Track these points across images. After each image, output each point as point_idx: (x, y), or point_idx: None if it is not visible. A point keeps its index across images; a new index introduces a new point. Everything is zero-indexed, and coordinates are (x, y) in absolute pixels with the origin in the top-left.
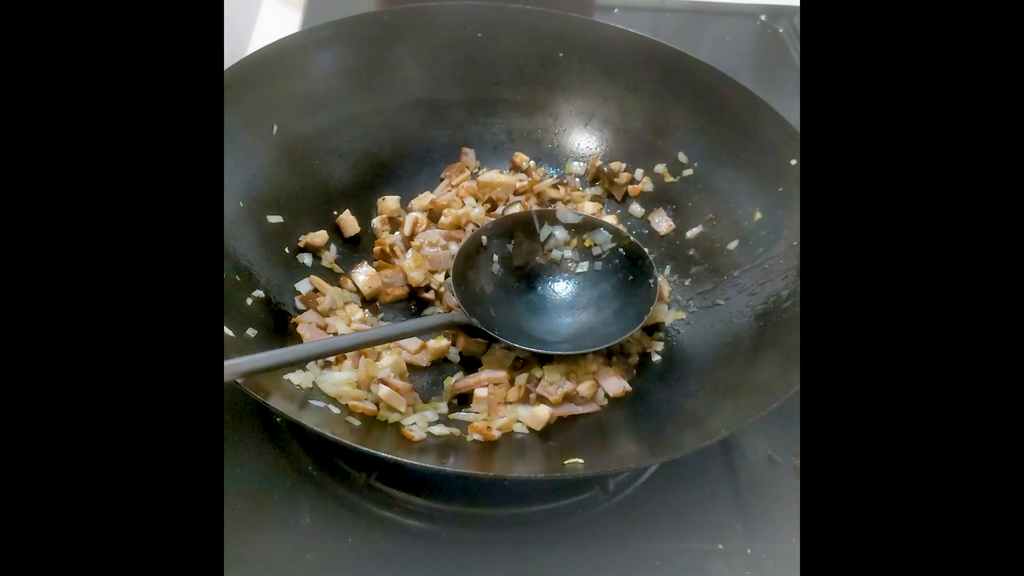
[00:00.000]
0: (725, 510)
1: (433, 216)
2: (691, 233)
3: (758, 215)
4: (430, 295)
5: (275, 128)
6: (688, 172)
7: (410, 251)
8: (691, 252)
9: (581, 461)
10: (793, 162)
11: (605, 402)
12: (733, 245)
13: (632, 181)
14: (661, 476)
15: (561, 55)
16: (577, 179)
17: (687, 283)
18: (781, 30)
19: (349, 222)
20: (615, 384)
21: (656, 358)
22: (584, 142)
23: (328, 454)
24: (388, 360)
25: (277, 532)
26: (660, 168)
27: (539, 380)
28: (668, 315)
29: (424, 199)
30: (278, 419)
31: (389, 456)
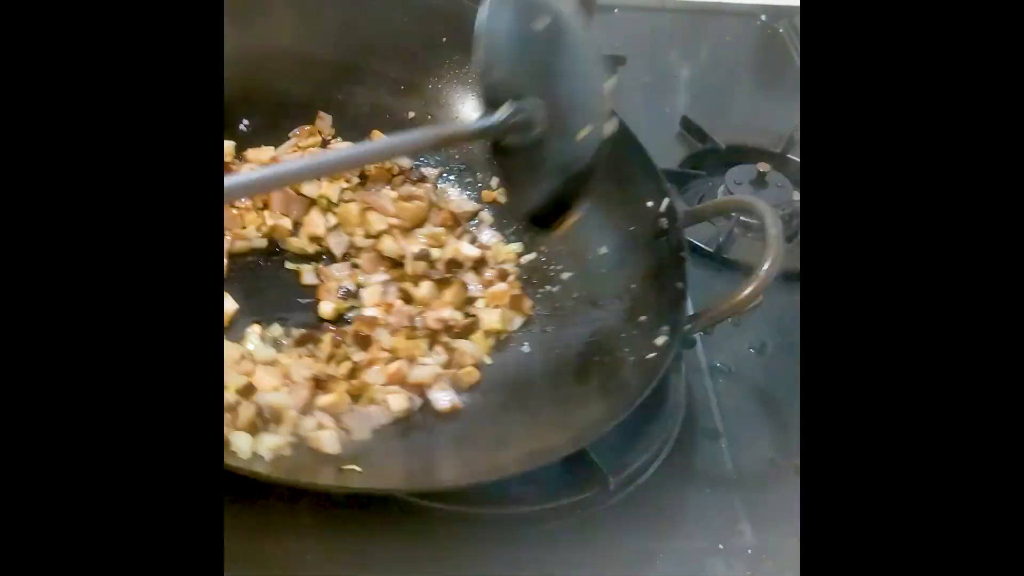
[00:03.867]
0: (725, 510)
1: None
2: (525, 259)
3: (603, 250)
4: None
5: None
6: None
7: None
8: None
9: (358, 468)
10: (650, 204)
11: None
12: (567, 276)
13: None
14: (661, 476)
15: (444, 40)
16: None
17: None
18: (781, 30)
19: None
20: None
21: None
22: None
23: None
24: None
25: (277, 532)
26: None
27: None
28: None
29: (263, 153)
30: None
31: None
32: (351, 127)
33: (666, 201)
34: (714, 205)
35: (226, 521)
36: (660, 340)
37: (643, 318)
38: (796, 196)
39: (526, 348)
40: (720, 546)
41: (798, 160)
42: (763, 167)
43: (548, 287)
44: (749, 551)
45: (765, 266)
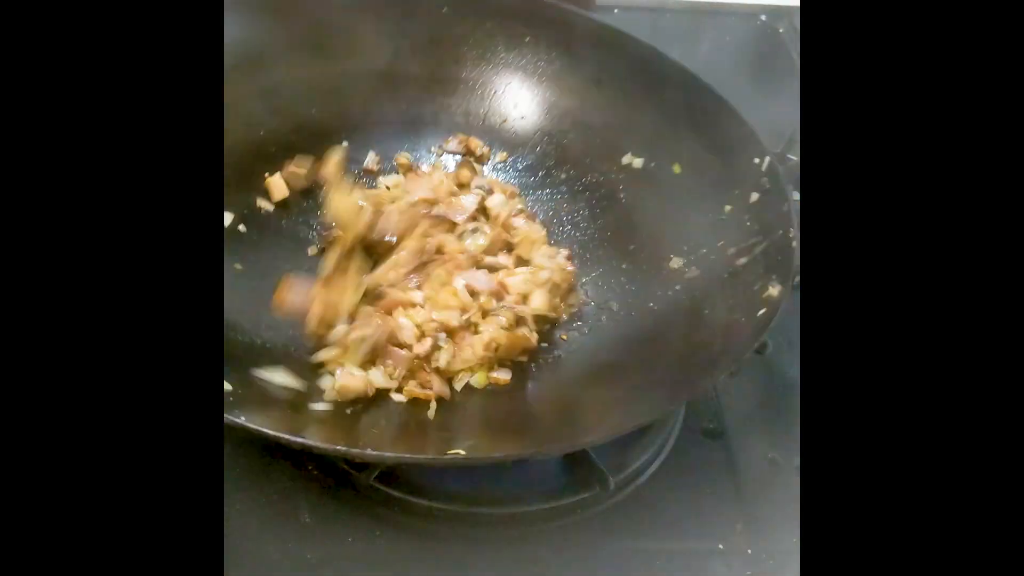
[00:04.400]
0: (725, 510)
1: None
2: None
3: (706, 216)
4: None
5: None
6: (639, 166)
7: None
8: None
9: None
10: (756, 160)
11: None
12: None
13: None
14: (661, 476)
15: (528, 39)
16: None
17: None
18: (781, 30)
19: (278, 186)
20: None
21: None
22: (542, 131)
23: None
24: None
25: (277, 532)
26: (623, 160)
27: None
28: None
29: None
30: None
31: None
32: (447, 135)
33: (767, 159)
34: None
35: (226, 521)
36: (774, 291)
37: (756, 282)
38: (796, 196)
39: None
40: (720, 546)
41: (798, 160)
42: None
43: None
44: (749, 551)
45: None
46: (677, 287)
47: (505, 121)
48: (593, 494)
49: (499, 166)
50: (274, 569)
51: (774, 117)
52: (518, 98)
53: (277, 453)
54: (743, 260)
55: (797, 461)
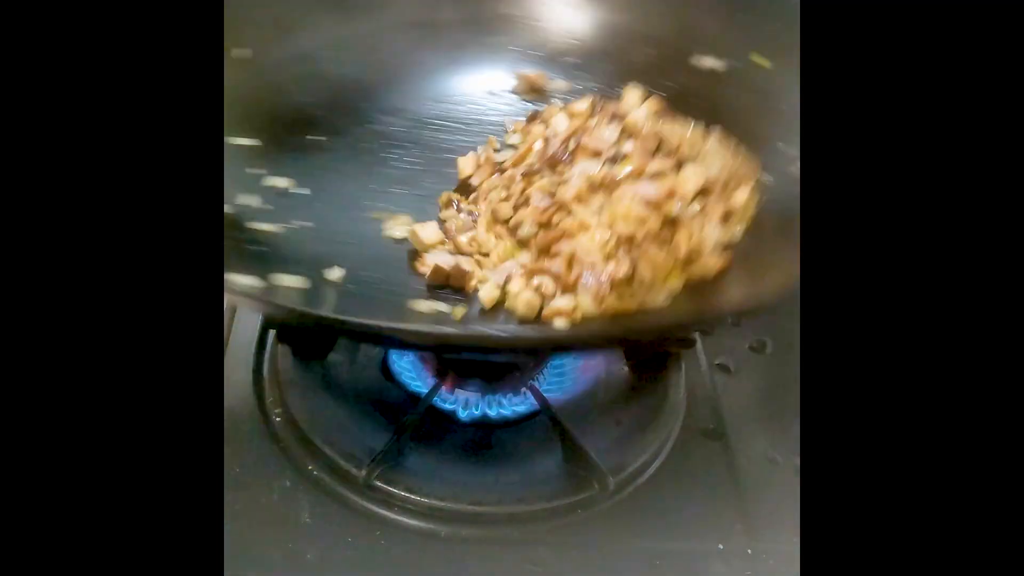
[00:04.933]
0: (725, 510)
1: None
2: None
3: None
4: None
5: (251, 52)
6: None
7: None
8: None
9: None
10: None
11: None
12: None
13: None
14: (661, 476)
15: None
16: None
17: None
18: None
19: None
20: None
21: None
22: (603, 51)
23: (327, 452)
24: None
25: (277, 532)
26: (703, 63)
27: None
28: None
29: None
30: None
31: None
32: (502, 79)
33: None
34: None
35: (226, 520)
36: None
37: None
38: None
39: None
40: (720, 546)
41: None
42: None
43: None
44: (749, 551)
45: None
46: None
47: (560, 49)
48: (593, 494)
49: (565, 96)
50: (274, 569)
51: None
52: (570, 22)
53: (277, 452)
54: None
55: (797, 461)
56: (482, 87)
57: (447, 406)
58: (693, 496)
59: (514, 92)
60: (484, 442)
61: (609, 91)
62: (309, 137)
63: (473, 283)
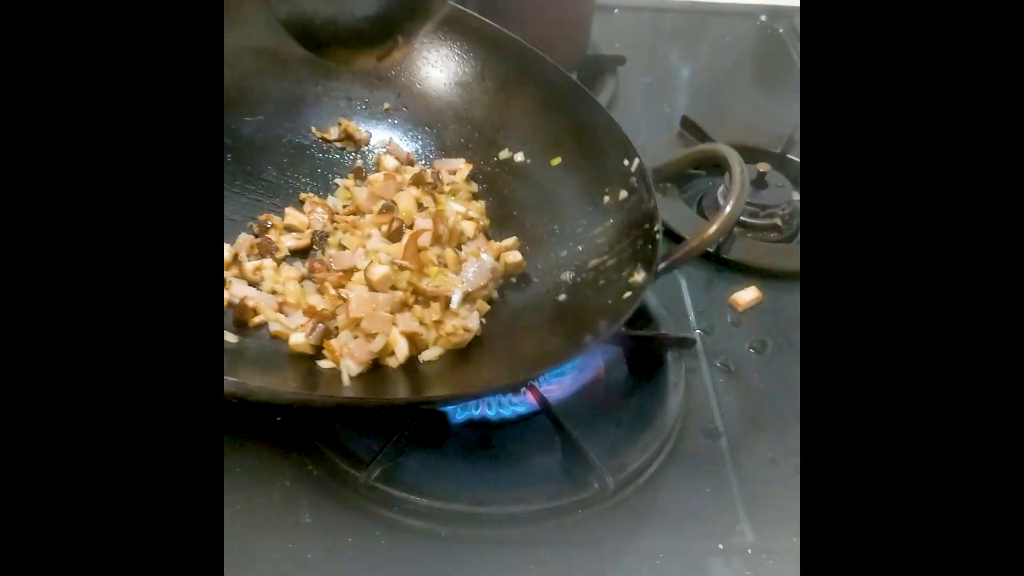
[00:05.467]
0: (725, 510)
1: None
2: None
3: (575, 213)
4: None
5: None
6: (520, 162)
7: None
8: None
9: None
10: (625, 162)
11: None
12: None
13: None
14: (661, 476)
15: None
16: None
17: None
18: (781, 30)
19: None
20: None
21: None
22: (424, 123)
23: (327, 451)
24: None
25: (277, 532)
26: (502, 155)
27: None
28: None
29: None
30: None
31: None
32: (327, 120)
33: (636, 161)
34: (680, 158)
35: (226, 520)
36: (638, 277)
37: (624, 269)
38: (796, 196)
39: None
40: (720, 546)
41: (798, 160)
42: (763, 167)
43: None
44: (749, 551)
45: (729, 206)
46: (557, 279)
47: (388, 108)
48: (593, 494)
49: (380, 150)
50: (274, 569)
51: (774, 117)
52: (403, 87)
53: (277, 452)
54: (611, 258)
55: (797, 461)
56: (306, 125)
57: (446, 407)
58: (693, 496)
59: (333, 141)
60: (484, 442)
61: (420, 157)
62: None
63: (256, 320)
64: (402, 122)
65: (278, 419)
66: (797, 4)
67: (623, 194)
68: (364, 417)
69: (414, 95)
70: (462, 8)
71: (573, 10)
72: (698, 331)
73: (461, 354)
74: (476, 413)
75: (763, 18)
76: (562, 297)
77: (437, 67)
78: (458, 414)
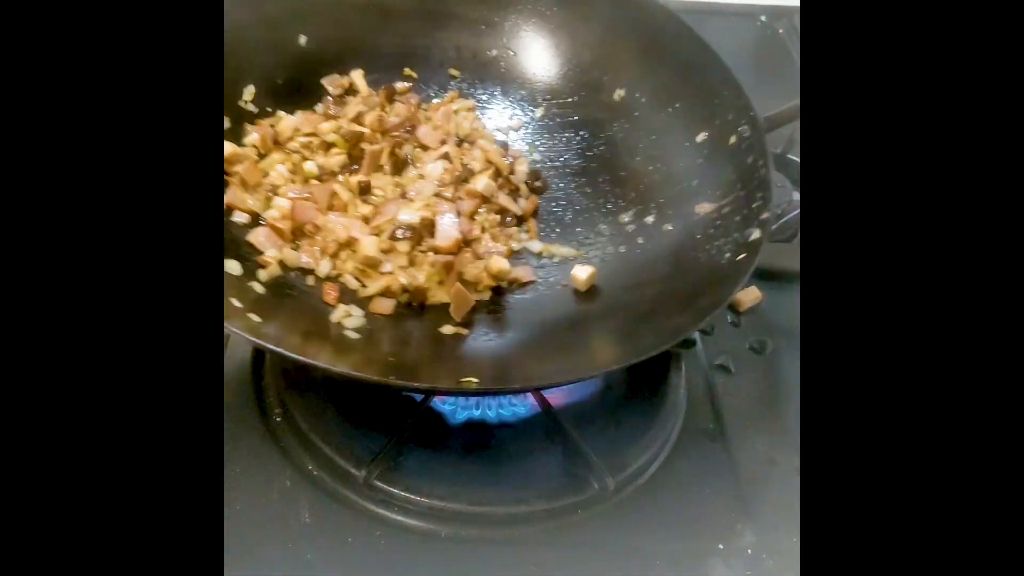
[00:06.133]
0: (725, 510)
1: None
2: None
3: (684, 163)
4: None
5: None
6: (627, 103)
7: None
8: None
9: (476, 380)
10: (730, 116)
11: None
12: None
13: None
14: (661, 476)
15: None
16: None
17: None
18: (781, 30)
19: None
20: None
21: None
22: (532, 68)
23: (327, 452)
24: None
25: (277, 532)
26: (616, 94)
27: None
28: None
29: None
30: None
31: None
32: (438, 68)
33: (751, 113)
34: (790, 109)
35: (226, 520)
36: (756, 235)
37: (736, 218)
38: (796, 196)
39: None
40: (720, 546)
41: (798, 160)
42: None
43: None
44: (749, 551)
45: None
46: (661, 231)
47: (496, 56)
48: (593, 494)
49: (490, 98)
50: (274, 569)
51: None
52: (509, 34)
53: (277, 452)
54: (723, 206)
55: (797, 461)
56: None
57: (446, 407)
58: (693, 496)
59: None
60: (484, 442)
61: (530, 101)
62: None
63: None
64: (510, 68)
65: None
66: (797, 4)
67: (732, 140)
68: (373, 414)
69: (520, 39)
70: None
71: None
72: (698, 331)
73: (572, 327)
74: (476, 413)
75: (763, 18)
76: (657, 264)
77: (542, 10)
78: (458, 414)
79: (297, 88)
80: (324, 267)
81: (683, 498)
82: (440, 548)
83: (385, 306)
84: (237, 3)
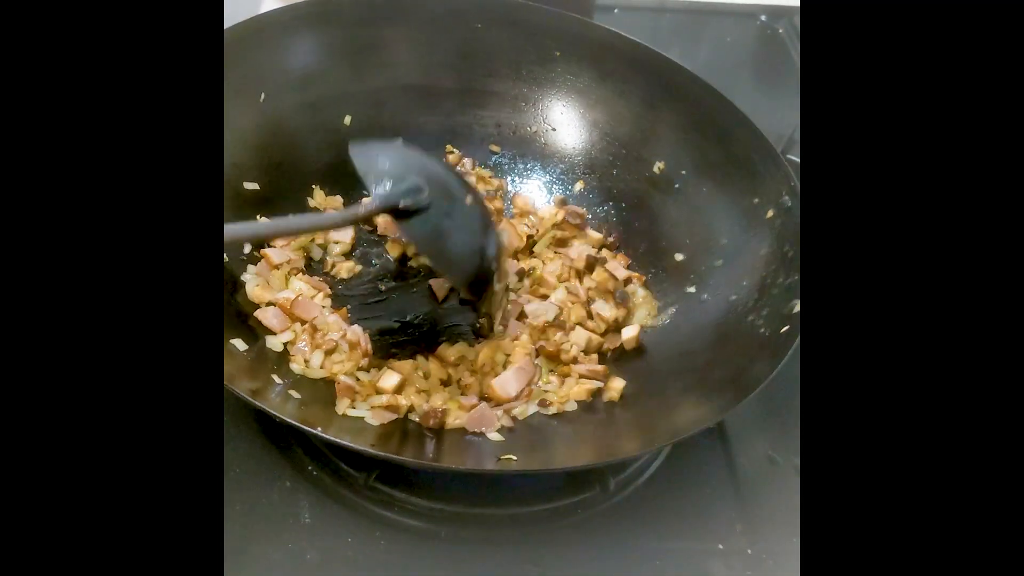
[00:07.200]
0: (725, 510)
1: None
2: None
3: (725, 239)
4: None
5: (262, 96)
6: (667, 176)
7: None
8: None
9: (514, 457)
10: (774, 180)
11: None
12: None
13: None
14: (661, 476)
15: (558, 54)
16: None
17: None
18: (781, 30)
19: (320, 200)
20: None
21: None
22: (571, 143)
23: (327, 453)
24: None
25: (277, 532)
26: (655, 167)
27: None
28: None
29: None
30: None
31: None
32: (477, 148)
33: (792, 184)
34: None
35: (226, 520)
36: (795, 308)
37: (773, 291)
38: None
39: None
40: (720, 546)
41: (798, 160)
42: None
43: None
44: (749, 551)
45: None
46: (701, 302)
47: (535, 132)
48: (593, 494)
49: (528, 172)
50: (274, 569)
51: (774, 117)
52: (548, 110)
53: (277, 453)
54: (765, 276)
55: (797, 461)
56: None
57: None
58: (693, 496)
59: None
60: None
61: (569, 175)
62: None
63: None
64: (549, 143)
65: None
66: (797, 4)
67: (770, 213)
68: None
69: (559, 116)
70: (606, 27)
71: (574, 11)
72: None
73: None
74: None
75: (763, 18)
76: (712, 323)
77: (580, 87)
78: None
79: (343, 171)
80: (315, 361)
81: (683, 498)
82: (440, 548)
83: (385, 417)
84: (283, 87)
